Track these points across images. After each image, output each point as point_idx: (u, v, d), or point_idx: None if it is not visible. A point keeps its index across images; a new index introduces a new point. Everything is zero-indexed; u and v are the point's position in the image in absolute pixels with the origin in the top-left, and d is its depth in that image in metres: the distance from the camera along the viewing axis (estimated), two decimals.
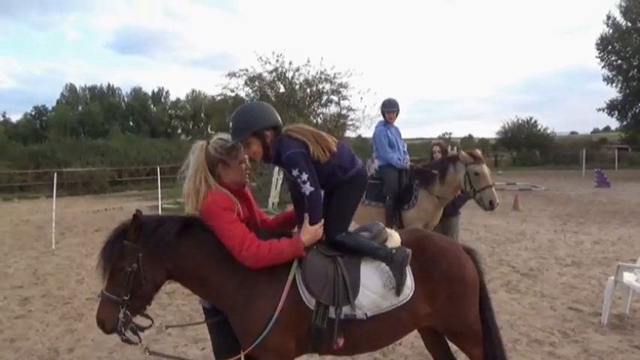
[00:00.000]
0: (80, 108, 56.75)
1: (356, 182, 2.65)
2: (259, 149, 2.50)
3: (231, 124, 2.50)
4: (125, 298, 2.30)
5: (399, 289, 2.44)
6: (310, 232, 2.45)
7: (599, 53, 35.00)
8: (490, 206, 5.16)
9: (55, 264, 8.04)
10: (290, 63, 19.21)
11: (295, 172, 2.44)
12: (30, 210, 16.50)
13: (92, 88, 59.14)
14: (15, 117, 58.60)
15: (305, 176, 2.43)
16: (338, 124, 20.24)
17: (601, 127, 75.07)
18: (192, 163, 2.48)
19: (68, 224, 12.46)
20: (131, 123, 56.53)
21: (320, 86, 19.91)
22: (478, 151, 5.37)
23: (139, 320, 2.42)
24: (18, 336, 4.84)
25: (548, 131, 42.92)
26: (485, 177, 5.16)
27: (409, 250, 2.50)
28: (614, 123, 40.12)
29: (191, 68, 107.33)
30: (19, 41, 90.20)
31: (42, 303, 5.93)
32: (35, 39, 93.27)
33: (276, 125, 2.51)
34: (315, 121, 19.64)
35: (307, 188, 2.44)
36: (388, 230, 2.68)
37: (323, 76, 19.62)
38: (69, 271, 7.56)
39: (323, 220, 2.51)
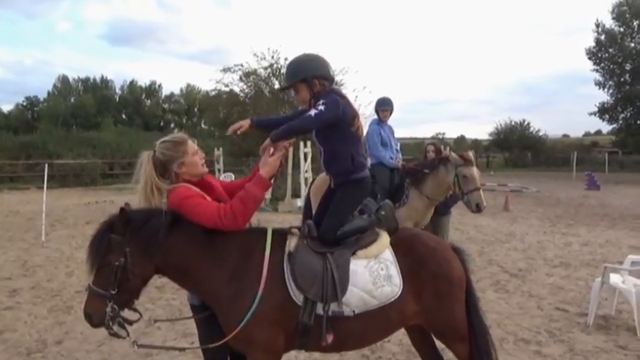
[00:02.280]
0: (73, 99, 56.21)
1: (362, 187, 2.74)
2: (307, 96, 2.65)
3: (285, 70, 2.69)
4: (112, 292, 2.29)
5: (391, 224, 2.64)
6: (268, 163, 2.46)
7: (592, 58, 35.32)
8: (477, 209, 5.22)
9: (44, 256, 7.99)
10: (285, 59, 19.18)
11: (320, 102, 2.52)
12: (20, 201, 16.37)
13: (85, 80, 58.60)
14: (6, 107, 57.98)
15: (322, 107, 2.49)
16: None
17: (592, 131, 75.70)
18: (141, 177, 2.48)
19: (58, 216, 12.38)
20: (124, 116, 56.10)
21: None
22: (470, 154, 5.40)
23: (127, 314, 2.42)
24: (5, 327, 4.81)
25: (541, 133, 43.32)
26: (473, 180, 5.20)
27: (389, 202, 2.69)
28: (605, 127, 40.55)
29: (184, 62, 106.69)
30: (9, 30, 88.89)
31: (30, 295, 5.90)
32: (26, 28, 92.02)
33: (326, 76, 2.66)
34: None
35: (312, 112, 2.51)
36: (377, 230, 2.70)
37: None
38: (58, 263, 7.51)
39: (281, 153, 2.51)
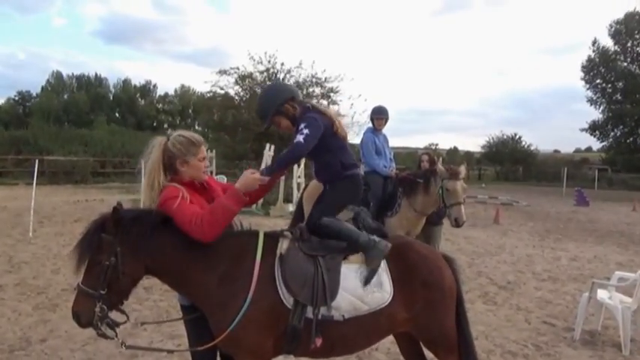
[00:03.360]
0: (66, 96, 55.82)
1: (352, 182, 2.79)
2: (287, 123, 2.74)
3: (257, 115, 2.81)
4: (102, 292, 2.27)
5: (369, 278, 2.48)
6: (247, 177, 2.44)
7: (585, 75, 35.78)
8: (455, 223, 5.25)
9: (31, 253, 7.88)
10: (282, 64, 19.27)
11: (302, 125, 2.57)
12: (8, 196, 16.17)
13: (80, 77, 58.23)
14: None
15: (306, 131, 2.55)
16: None
17: (583, 147, 76.58)
18: (150, 160, 2.49)
19: (47, 213, 12.25)
20: (117, 115, 55.82)
21: (310, 89, 19.98)
22: (462, 168, 5.41)
23: (114, 315, 2.39)
24: None
25: (532, 148, 43.76)
26: (455, 194, 5.23)
27: (389, 244, 2.57)
28: (595, 144, 41.04)
29: (179, 62, 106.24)
30: (2, 24, 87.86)
31: (15, 292, 5.81)
32: (19, 22, 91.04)
33: (291, 96, 2.73)
34: None
35: (298, 138, 2.54)
36: (371, 236, 2.70)
37: (314, 80, 19.70)
38: (45, 260, 7.42)
39: (266, 179, 2.49)
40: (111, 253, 2.27)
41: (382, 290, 2.47)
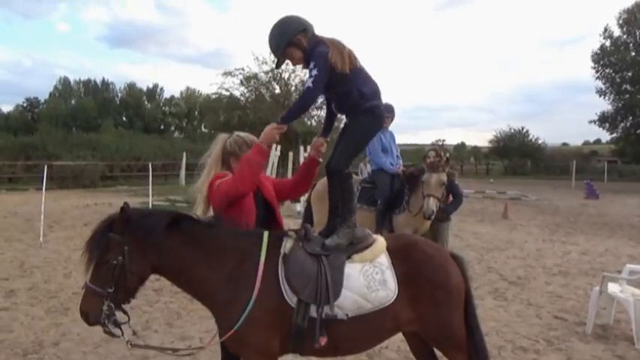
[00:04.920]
0: (73, 101, 56.31)
1: (374, 115, 2.72)
2: (299, 55, 2.69)
3: (269, 48, 2.75)
4: (110, 290, 2.30)
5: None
6: (266, 130, 2.56)
7: (595, 65, 35.35)
8: (423, 214, 5.22)
9: (42, 257, 7.96)
10: (286, 64, 19.26)
11: (311, 65, 2.57)
12: (18, 202, 16.34)
13: (87, 82, 58.69)
14: (4, 108, 58.02)
15: (315, 72, 2.54)
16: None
17: (592, 140, 75.93)
18: (212, 153, 2.81)
19: (57, 218, 12.36)
20: (124, 118, 56.22)
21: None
22: (437, 158, 5.46)
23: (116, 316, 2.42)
24: (2, 328, 4.78)
25: (540, 142, 43.40)
26: (428, 186, 5.24)
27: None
28: (604, 136, 40.67)
29: (184, 65, 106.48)
30: (6, 30, 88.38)
31: (28, 296, 5.88)
32: (24, 28, 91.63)
33: (304, 28, 2.69)
34: (309, 122, 19.63)
35: (308, 82, 2.56)
36: (374, 235, 2.69)
37: None
38: (56, 264, 7.49)
39: (284, 126, 2.57)
40: (119, 251, 2.31)
41: (386, 288, 2.46)
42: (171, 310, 5.36)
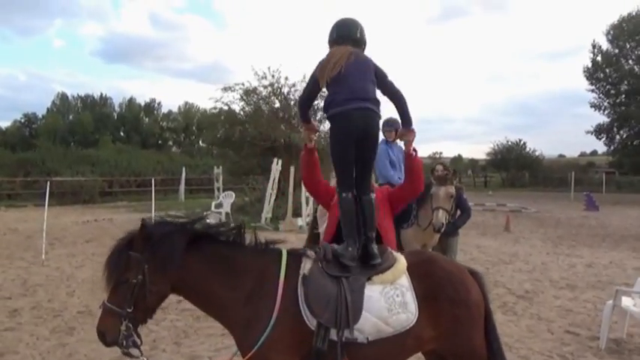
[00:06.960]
0: (71, 117, 56.31)
1: (334, 121, 2.69)
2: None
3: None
4: (128, 310, 2.26)
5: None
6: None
7: (588, 79, 35.70)
8: (432, 227, 5.21)
9: (44, 275, 7.87)
10: (286, 78, 19.31)
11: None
12: (18, 219, 16.23)
13: (84, 98, 58.76)
14: (3, 124, 57.96)
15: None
16: None
17: (588, 151, 76.20)
18: None
19: (57, 234, 12.26)
20: (122, 133, 56.18)
21: (315, 103, 20.01)
22: (442, 169, 5.50)
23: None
24: (7, 349, 4.70)
25: (537, 153, 43.57)
26: (437, 198, 5.21)
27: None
28: (600, 147, 40.85)
29: (180, 79, 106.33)
30: (3, 46, 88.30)
31: (31, 315, 5.79)
32: (19, 44, 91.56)
33: (330, 39, 2.95)
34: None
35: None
36: (395, 253, 2.66)
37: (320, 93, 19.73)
38: (59, 282, 7.40)
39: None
40: (138, 270, 2.27)
41: (407, 311, 2.41)
42: (178, 329, 5.29)
